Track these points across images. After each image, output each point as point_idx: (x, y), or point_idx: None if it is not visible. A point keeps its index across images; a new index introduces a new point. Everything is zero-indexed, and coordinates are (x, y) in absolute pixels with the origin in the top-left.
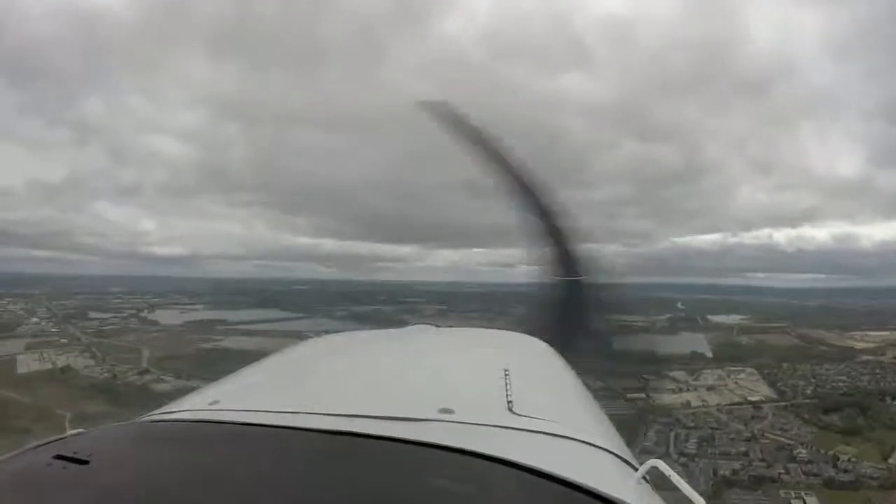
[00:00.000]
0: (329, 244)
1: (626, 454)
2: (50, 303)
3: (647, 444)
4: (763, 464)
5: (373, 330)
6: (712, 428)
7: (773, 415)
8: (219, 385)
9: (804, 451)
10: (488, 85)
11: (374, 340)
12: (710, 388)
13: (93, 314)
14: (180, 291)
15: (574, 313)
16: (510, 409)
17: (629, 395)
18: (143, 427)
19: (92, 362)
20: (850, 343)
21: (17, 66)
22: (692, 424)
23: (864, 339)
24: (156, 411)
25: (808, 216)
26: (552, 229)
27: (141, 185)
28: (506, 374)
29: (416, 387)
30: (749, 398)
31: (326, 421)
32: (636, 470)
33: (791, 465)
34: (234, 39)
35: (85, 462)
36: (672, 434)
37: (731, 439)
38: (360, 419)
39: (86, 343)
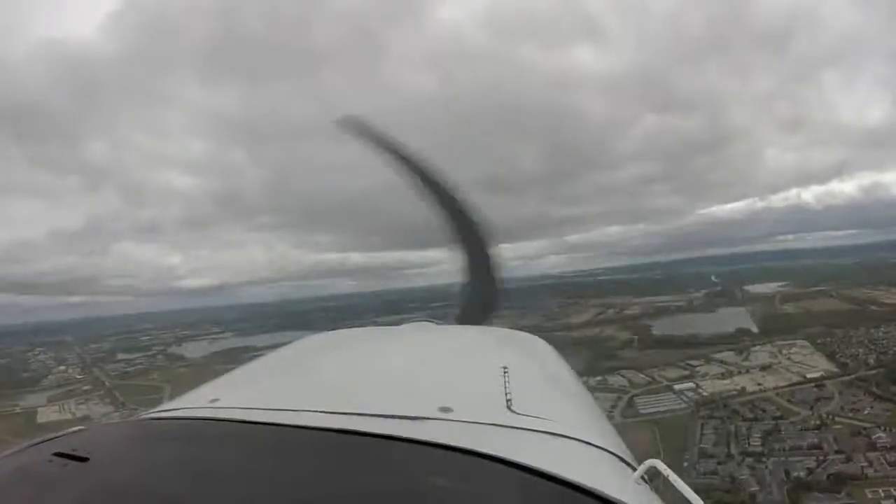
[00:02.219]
0: (356, 257)
1: (625, 454)
2: (80, 348)
3: (704, 445)
4: (840, 456)
5: (372, 327)
6: (775, 418)
7: (840, 393)
8: (218, 383)
9: (884, 434)
10: (498, 70)
11: (373, 338)
12: (763, 369)
13: (120, 355)
14: (211, 321)
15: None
16: (509, 408)
17: (676, 386)
18: (143, 424)
19: (111, 408)
20: None
21: (18, 118)
22: (751, 415)
23: None
24: (155, 409)
25: (838, 170)
26: (464, 229)
27: (159, 222)
28: (505, 373)
29: (415, 385)
30: (808, 375)
31: (325, 419)
32: (635, 470)
33: (872, 455)
34: (225, 58)
35: (84, 459)
36: (731, 429)
37: (799, 429)
38: (359, 417)
39: (109, 387)
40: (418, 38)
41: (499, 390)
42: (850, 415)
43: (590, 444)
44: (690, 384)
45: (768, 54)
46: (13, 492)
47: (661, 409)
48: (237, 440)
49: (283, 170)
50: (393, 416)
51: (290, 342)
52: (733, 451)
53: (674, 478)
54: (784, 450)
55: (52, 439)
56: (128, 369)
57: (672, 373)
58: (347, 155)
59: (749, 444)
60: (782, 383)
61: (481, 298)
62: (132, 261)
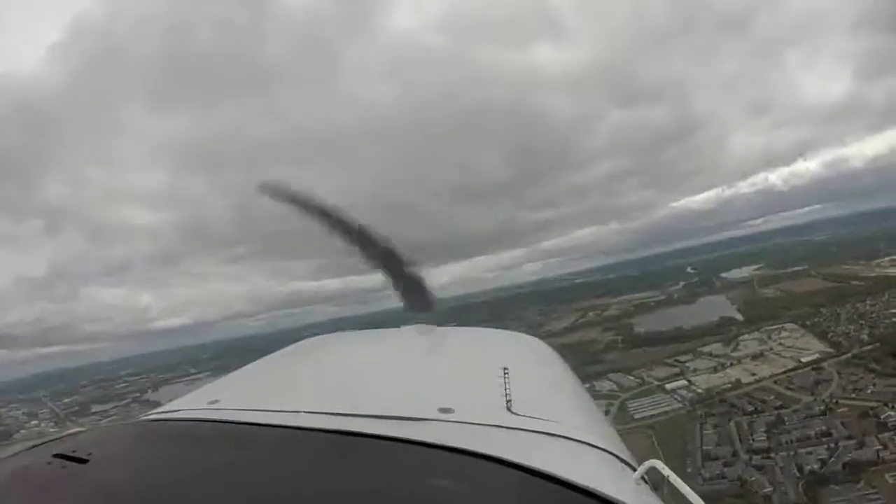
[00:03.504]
0: (333, 283)
1: (625, 454)
2: (54, 403)
3: (707, 447)
4: (852, 442)
5: (371, 329)
6: (777, 408)
7: (839, 373)
8: (218, 384)
9: (893, 412)
10: (458, 74)
11: (373, 340)
12: (755, 357)
13: (95, 407)
14: (189, 362)
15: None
16: (509, 409)
17: (667, 386)
18: (143, 426)
19: None
20: (881, 271)
21: None
22: (752, 408)
23: (894, 265)
24: (155, 410)
25: (802, 149)
26: (389, 258)
27: (127, 261)
28: (505, 374)
29: (415, 386)
30: (803, 359)
31: (325, 420)
32: (635, 470)
33: (885, 436)
34: (175, 83)
35: (84, 461)
36: (732, 426)
37: (804, 417)
38: (359, 418)
39: None
40: (373, 47)
41: (499, 391)
42: (854, 395)
43: (590, 444)
44: (682, 382)
45: (729, 38)
46: (13, 493)
47: (656, 411)
48: (237, 442)
49: (247, 196)
50: (393, 418)
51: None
52: (738, 449)
53: (674, 478)
54: (792, 442)
55: (52, 441)
56: (101, 421)
57: (661, 371)
58: (310, 176)
59: (753, 440)
60: (778, 370)
61: (417, 305)
62: (103, 304)
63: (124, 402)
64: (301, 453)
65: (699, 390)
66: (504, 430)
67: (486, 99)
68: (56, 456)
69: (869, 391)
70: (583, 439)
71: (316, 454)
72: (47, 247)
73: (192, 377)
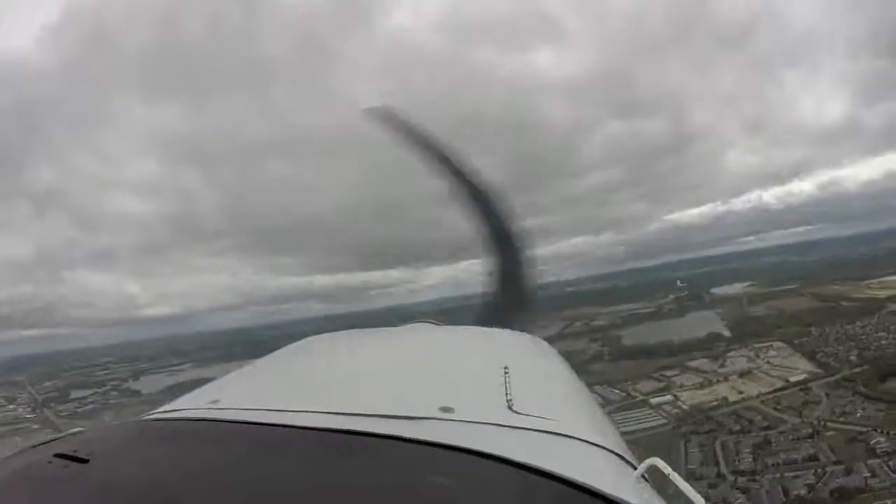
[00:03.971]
0: (321, 280)
1: (626, 453)
2: (33, 386)
3: (691, 466)
4: (840, 467)
5: (372, 328)
6: (763, 428)
7: (827, 395)
8: (219, 384)
9: (882, 438)
10: (455, 75)
11: (374, 338)
12: (743, 375)
13: (74, 393)
14: (173, 352)
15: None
16: (510, 408)
17: (652, 400)
18: (143, 426)
19: None
20: (870, 294)
21: None
22: (738, 427)
23: (883, 287)
24: (156, 410)
25: (797, 169)
26: (501, 234)
27: (113, 249)
28: (505, 373)
29: (416, 385)
30: (791, 379)
31: (326, 419)
32: (635, 468)
33: (874, 463)
34: (171, 72)
35: (84, 461)
36: (718, 445)
37: (792, 440)
38: (360, 417)
39: (58, 428)
40: (369, 45)
41: (500, 390)
42: (843, 419)
43: (591, 443)
44: (668, 397)
45: (728, 52)
46: (14, 493)
47: (640, 427)
48: (238, 441)
49: (238, 190)
50: (394, 417)
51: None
52: (723, 470)
53: (675, 476)
54: (778, 464)
55: (52, 441)
56: (79, 409)
57: (647, 385)
58: (302, 174)
59: (739, 460)
60: (765, 389)
61: (511, 303)
62: (90, 290)
63: (103, 389)
64: (302, 453)
65: (685, 406)
66: (505, 428)
67: (482, 102)
68: (57, 456)
69: (858, 415)
70: (584, 438)
71: (317, 453)
72: (34, 229)
73: (175, 368)
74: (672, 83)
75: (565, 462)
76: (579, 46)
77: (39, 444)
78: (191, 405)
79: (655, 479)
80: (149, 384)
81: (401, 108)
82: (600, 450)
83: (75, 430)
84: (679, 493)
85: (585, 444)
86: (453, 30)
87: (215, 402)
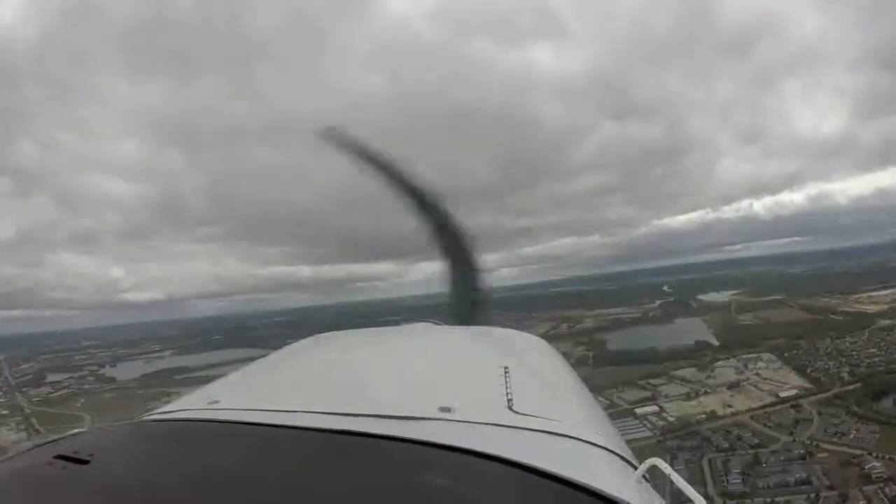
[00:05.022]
0: (305, 270)
1: (626, 452)
2: (10, 368)
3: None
4: (835, 493)
5: (372, 328)
6: (754, 446)
7: (819, 414)
8: (219, 384)
9: (877, 463)
10: (450, 67)
11: (374, 338)
12: (731, 387)
13: (51, 377)
14: (153, 338)
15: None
16: (510, 408)
17: (637, 410)
18: (144, 426)
19: (24, 435)
20: (860, 308)
21: None
22: (727, 444)
23: (872, 302)
24: (156, 411)
25: (790, 181)
26: (450, 238)
27: (97, 231)
28: (505, 373)
29: (416, 385)
30: (781, 394)
31: (326, 420)
32: (636, 468)
33: (869, 490)
34: (156, 49)
35: (85, 462)
36: (706, 462)
37: (783, 460)
38: (360, 418)
39: (27, 414)
40: (363, 31)
41: (500, 390)
42: (836, 440)
43: (591, 443)
44: (654, 407)
45: (728, 61)
46: (15, 494)
47: (625, 438)
48: (238, 442)
49: (223, 176)
50: (394, 417)
51: (220, 364)
52: (711, 491)
53: (675, 476)
54: (769, 487)
55: (53, 441)
56: (53, 394)
57: (632, 394)
58: (290, 162)
59: (728, 482)
60: (755, 404)
61: (467, 303)
62: (73, 272)
63: (79, 374)
64: (302, 453)
65: (671, 418)
66: (505, 428)
67: (477, 97)
68: (57, 457)
69: (851, 436)
70: (584, 438)
71: (317, 454)
72: (16, 208)
73: (153, 355)
74: (670, 89)
75: (565, 462)
76: (579, 45)
77: (40, 445)
78: (191, 405)
79: (656, 480)
80: (125, 371)
81: (347, 128)
82: (601, 450)
83: (76, 430)
84: (679, 494)
85: (586, 444)
86: (451, 19)
87: (215, 402)
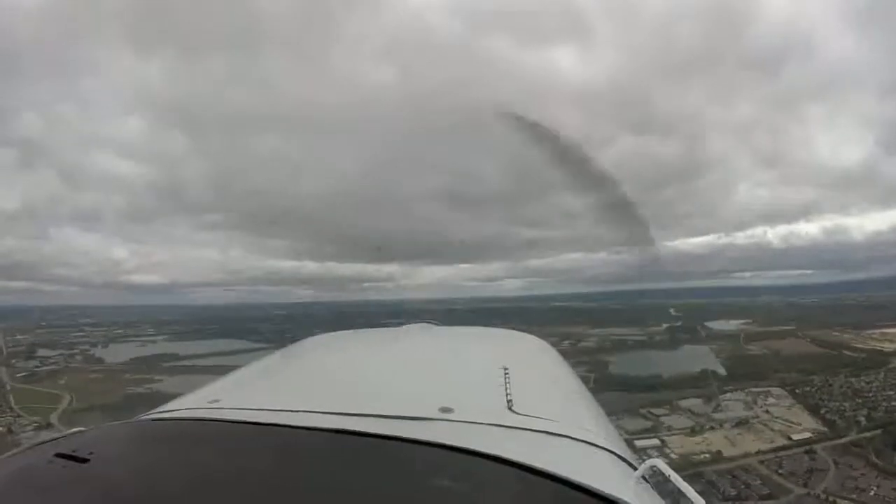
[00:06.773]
0: (310, 266)
1: (626, 453)
2: (3, 339)
3: None
4: None
5: (372, 328)
6: (763, 497)
7: (835, 463)
8: (218, 383)
9: None
10: (466, 66)
11: (374, 339)
12: (739, 425)
13: (42, 351)
14: (150, 322)
15: None
16: (510, 408)
17: (637, 443)
18: (143, 426)
19: None
20: (874, 345)
21: None
22: (734, 491)
23: (886, 339)
24: (155, 410)
25: (806, 210)
26: (629, 220)
27: (101, 210)
28: (505, 373)
29: (416, 385)
30: (794, 437)
31: (326, 419)
32: (636, 469)
33: None
34: (165, 24)
35: (85, 460)
36: None
37: None
38: (360, 418)
39: (7, 389)
40: (377, 20)
41: (500, 391)
42: (855, 496)
43: (591, 443)
44: (655, 441)
45: (752, 80)
46: (15, 493)
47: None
48: (238, 441)
49: (232, 164)
50: (394, 417)
51: (209, 354)
52: None
53: (675, 477)
54: None
55: (53, 440)
56: (39, 368)
57: (633, 423)
58: (293, 153)
59: None
60: (765, 446)
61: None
62: (76, 249)
63: (70, 352)
64: (302, 453)
65: (673, 455)
66: (505, 429)
67: (493, 98)
68: (57, 455)
69: (872, 493)
70: (584, 438)
71: (317, 453)
72: (19, 179)
73: (147, 338)
74: (691, 105)
75: (565, 462)
76: (602, 54)
77: (40, 444)
78: (191, 405)
79: (656, 480)
80: (116, 353)
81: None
82: (600, 450)
83: (76, 429)
84: (679, 494)
85: (585, 444)
86: (469, 15)
87: (215, 401)
